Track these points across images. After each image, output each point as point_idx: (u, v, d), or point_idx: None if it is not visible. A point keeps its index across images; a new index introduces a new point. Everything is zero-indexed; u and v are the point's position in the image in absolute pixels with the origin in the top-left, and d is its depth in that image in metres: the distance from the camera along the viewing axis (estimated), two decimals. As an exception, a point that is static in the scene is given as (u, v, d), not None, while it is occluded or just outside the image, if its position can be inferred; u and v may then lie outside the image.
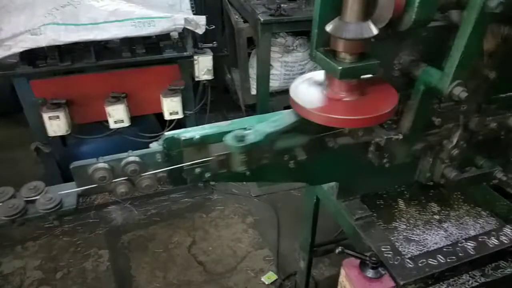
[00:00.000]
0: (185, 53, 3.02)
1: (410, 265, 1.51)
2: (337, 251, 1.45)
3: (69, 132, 3.10)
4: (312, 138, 1.41)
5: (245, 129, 1.28)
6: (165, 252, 3.31)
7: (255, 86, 3.85)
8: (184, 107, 3.32)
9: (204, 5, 5.12)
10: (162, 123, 3.61)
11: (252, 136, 1.24)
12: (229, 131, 1.28)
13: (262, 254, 3.33)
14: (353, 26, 1.12)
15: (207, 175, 1.33)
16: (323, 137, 1.44)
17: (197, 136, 1.24)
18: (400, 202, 2.17)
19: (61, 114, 2.96)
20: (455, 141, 1.62)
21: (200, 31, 2.90)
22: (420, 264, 1.52)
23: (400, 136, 1.43)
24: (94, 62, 2.80)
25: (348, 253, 1.46)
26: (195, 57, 3.10)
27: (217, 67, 5.15)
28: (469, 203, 2.18)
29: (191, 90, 3.34)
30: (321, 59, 1.23)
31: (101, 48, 2.87)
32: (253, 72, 3.90)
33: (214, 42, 3.22)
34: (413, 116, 1.39)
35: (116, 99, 3.05)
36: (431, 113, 1.49)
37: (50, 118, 2.95)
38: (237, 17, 3.72)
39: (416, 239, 1.94)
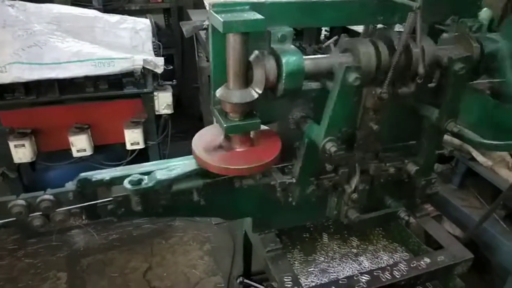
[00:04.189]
0: (145, 89, 3.26)
1: (305, 295, 1.69)
2: (238, 281, 1.63)
3: (34, 159, 3.29)
4: (209, 182, 1.57)
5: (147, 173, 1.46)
6: (120, 276, 3.44)
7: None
8: (146, 138, 3.54)
9: (181, 42, 5.46)
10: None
11: (146, 181, 1.42)
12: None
13: (214, 281, 3.46)
14: (236, 93, 1.35)
15: (120, 211, 1.53)
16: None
17: (107, 178, 1.45)
18: (324, 235, 2.35)
19: (27, 143, 3.17)
20: (353, 186, 1.83)
21: (159, 70, 3.15)
22: (314, 295, 1.70)
23: (294, 180, 1.65)
24: (58, 96, 3.04)
25: (247, 283, 1.64)
26: (155, 93, 3.34)
27: (195, 97, 5.46)
28: (388, 238, 2.37)
29: (153, 123, 3.56)
30: (216, 116, 1.46)
31: (66, 82, 3.09)
32: (215, 106, 4.14)
33: (174, 80, 3.47)
34: (300, 163, 1.61)
35: (80, 130, 3.27)
36: (324, 160, 1.71)
37: (15, 146, 3.15)
38: (201, 55, 4.00)
39: (331, 271, 2.12)
